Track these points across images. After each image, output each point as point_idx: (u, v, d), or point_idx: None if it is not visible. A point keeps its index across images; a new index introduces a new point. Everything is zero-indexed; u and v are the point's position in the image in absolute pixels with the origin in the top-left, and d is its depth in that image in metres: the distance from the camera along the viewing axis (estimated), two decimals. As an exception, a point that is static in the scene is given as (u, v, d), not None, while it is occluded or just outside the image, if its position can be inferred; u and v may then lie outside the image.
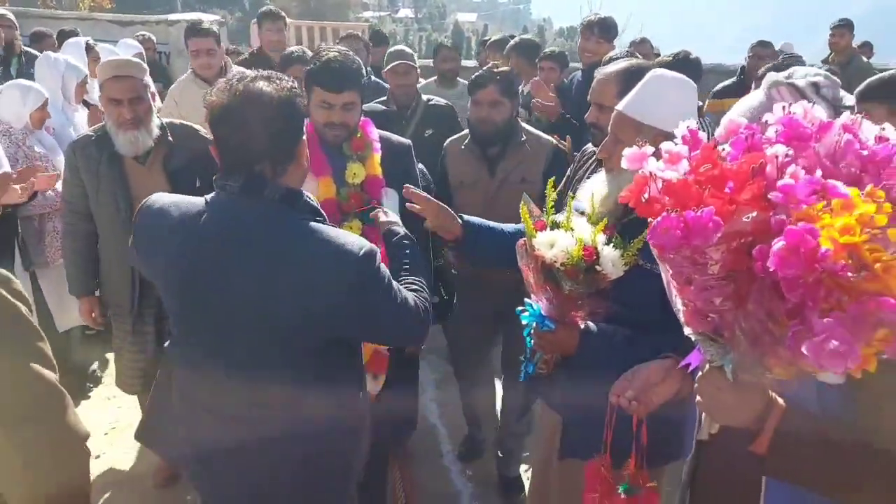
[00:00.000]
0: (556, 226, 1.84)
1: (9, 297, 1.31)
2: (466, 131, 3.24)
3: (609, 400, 1.61)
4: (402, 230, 2.08)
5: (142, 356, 3.12)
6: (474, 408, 3.64)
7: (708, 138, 1.17)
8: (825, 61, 6.72)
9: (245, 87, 1.60)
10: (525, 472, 3.45)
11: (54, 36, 6.50)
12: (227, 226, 1.63)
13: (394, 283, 1.73)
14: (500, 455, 3.48)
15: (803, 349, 0.91)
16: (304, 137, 1.72)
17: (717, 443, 1.36)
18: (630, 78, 2.04)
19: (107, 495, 3.34)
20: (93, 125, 3.54)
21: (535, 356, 1.98)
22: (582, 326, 1.86)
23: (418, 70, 4.27)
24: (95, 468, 3.50)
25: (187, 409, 1.81)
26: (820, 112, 1.07)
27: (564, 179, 3.00)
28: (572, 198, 1.99)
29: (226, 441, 1.73)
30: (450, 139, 3.34)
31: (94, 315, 3.17)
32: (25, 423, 1.28)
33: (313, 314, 1.60)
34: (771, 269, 0.92)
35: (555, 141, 3.43)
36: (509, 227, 2.27)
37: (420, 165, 2.98)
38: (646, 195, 1.11)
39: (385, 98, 4.17)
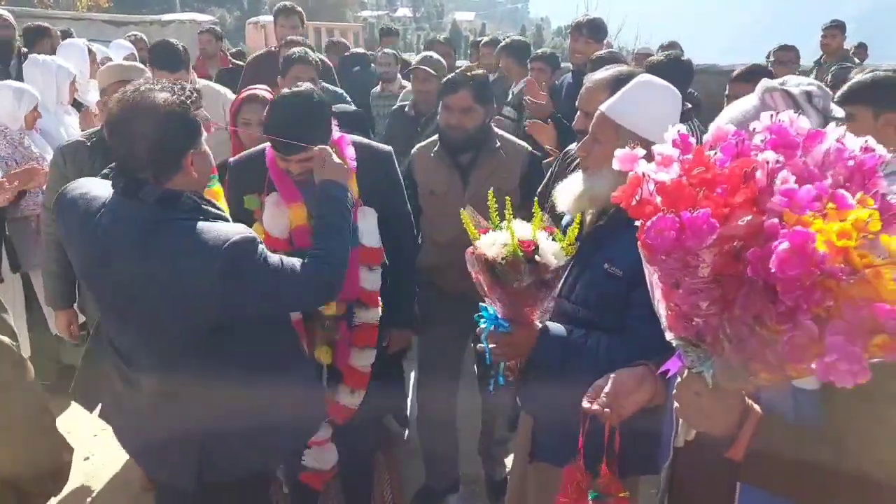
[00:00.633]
0: (499, 230, 1.87)
1: None
2: (435, 137, 3.06)
3: (582, 406, 1.61)
4: (336, 189, 2.13)
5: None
6: (435, 450, 3.30)
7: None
8: (818, 62, 6.72)
9: (136, 99, 1.71)
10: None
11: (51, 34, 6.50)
12: (111, 223, 1.77)
13: (275, 258, 1.85)
14: (486, 460, 3.40)
15: (813, 366, 0.92)
16: (198, 149, 1.82)
17: (693, 449, 1.37)
18: (618, 86, 2.04)
19: (94, 496, 3.33)
20: (85, 128, 3.54)
21: (498, 366, 1.98)
22: (538, 325, 1.87)
23: (441, 80, 4.20)
24: (84, 470, 3.50)
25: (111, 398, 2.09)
26: (805, 122, 1.08)
27: (546, 178, 3.00)
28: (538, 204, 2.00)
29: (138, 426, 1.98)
30: (417, 146, 3.15)
31: (71, 328, 3.05)
32: None
33: (190, 305, 1.73)
34: (772, 270, 0.92)
35: (552, 131, 3.40)
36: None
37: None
38: (637, 196, 1.11)
39: (409, 102, 4.17)
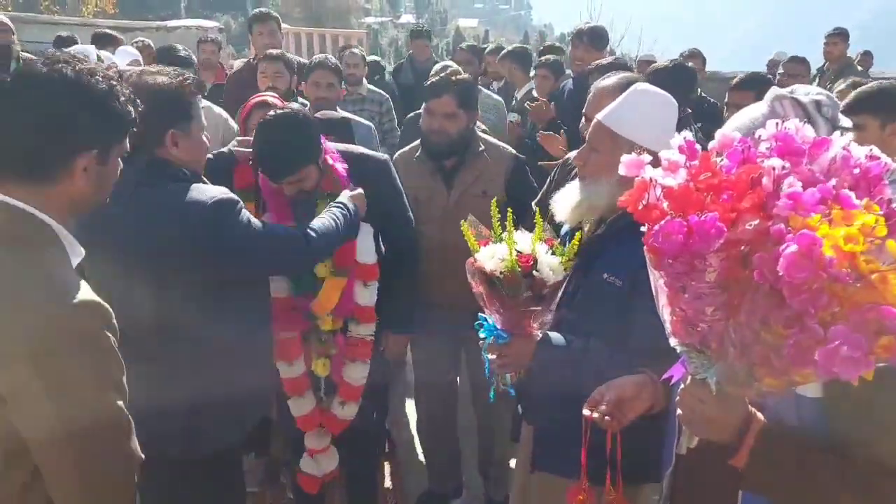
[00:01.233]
0: (500, 241, 1.87)
1: (103, 329, 1.30)
2: (418, 142, 3.02)
3: (583, 414, 1.61)
4: (354, 206, 2.34)
5: None
6: (438, 455, 3.33)
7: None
8: (820, 70, 6.72)
9: (134, 79, 1.87)
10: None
11: (52, 41, 6.51)
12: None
13: (257, 221, 2.02)
14: (486, 480, 3.37)
15: (815, 356, 0.92)
16: (184, 132, 1.95)
17: (696, 456, 1.37)
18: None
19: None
20: None
21: (500, 377, 1.98)
22: (538, 336, 1.87)
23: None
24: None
25: None
26: (810, 131, 1.09)
27: (546, 185, 2.99)
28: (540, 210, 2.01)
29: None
30: (399, 151, 3.13)
31: None
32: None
33: (173, 259, 1.85)
34: (780, 273, 0.93)
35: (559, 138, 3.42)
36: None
37: None
38: (644, 201, 1.11)
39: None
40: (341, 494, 3.06)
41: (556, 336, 1.88)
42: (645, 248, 1.11)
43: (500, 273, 1.77)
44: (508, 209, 1.88)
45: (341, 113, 3.57)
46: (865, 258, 0.89)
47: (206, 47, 6.51)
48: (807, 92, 1.48)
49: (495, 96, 5.12)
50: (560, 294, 1.86)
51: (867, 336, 0.90)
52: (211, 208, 1.89)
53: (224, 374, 1.97)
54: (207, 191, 1.94)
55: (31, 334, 1.22)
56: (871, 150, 1.07)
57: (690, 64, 4.15)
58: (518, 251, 1.79)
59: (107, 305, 1.32)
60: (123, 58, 5.80)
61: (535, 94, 4.73)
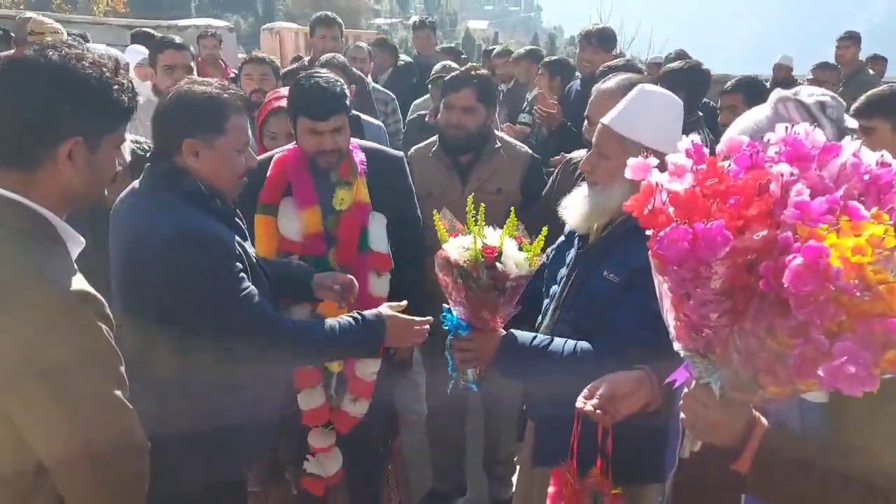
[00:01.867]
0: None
1: (96, 320, 1.29)
2: (435, 137, 3.03)
3: (575, 406, 1.62)
4: (377, 340, 2.00)
5: None
6: (443, 453, 3.32)
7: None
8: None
9: (178, 88, 1.85)
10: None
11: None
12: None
13: (241, 284, 1.79)
14: (491, 479, 3.37)
15: (819, 371, 0.91)
16: (206, 142, 1.83)
17: (699, 460, 1.36)
18: (627, 94, 2.04)
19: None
20: None
21: (461, 373, 1.99)
22: (501, 332, 1.89)
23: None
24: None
25: None
26: (820, 135, 1.07)
27: (549, 184, 2.99)
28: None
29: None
30: (416, 146, 3.12)
31: None
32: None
33: (141, 277, 1.75)
34: (785, 285, 0.92)
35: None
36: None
37: None
38: (650, 206, 1.10)
39: (430, 111, 4.14)
40: (345, 493, 3.06)
41: (521, 333, 1.91)
42: (650, 252, 1.10)
43: (464, 262, 1.80)
44: (512, 209, 1.91)
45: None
46: (874, 268, 0.88)
47: (207, 42, 6.33)
48: (811, 93, 1.45)
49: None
50: (521, 293, 1.88)
51: (874, 349, 0.89)
52: (172, 238, 1.71)
53: (208, 408, 1.80)
54: (192, 218, 1.76)
55: (24, 324, 1.21)
56: (882, 155, 1.05)
57: (706, 66, 4.13)
58: (484, 243, 1.81)
59: (99, 296, 1.30)
60: (133, 56, 5.81)
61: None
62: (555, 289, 2.06)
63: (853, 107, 2.44)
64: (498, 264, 1.80)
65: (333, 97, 2.32)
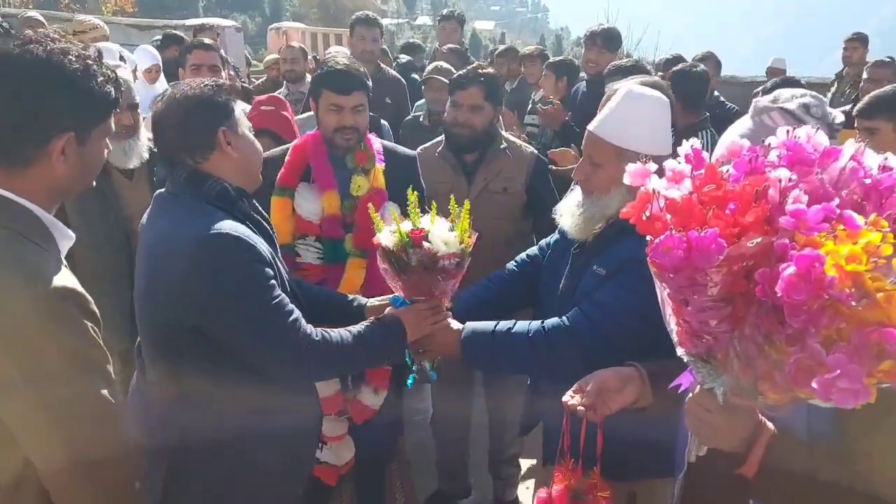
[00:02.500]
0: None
1: (81, 318, 1.27)
2: (441, 138, 3.04)
3: (562, 400, 1.63)
4: (398, 346, 1.94)
5: None
6: (448, 453, 3.32)
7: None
8: (838, 75, 6.65)
9: (171, 93, 1.77)
10: (528, 490, 3.40)
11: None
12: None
13: (274, 292, 1.67)
14: (496, 480, 3.37)
15: (813, 384, 0.90)
16: (233, 129, 1.76)
17: (705, 464, 1.36)
18: None
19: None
20: None
21: (420, 365, 2.06)
22: (458, 326, 1.95)
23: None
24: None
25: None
26: (823, 138, 1.06)
27: (567, 193, 2.99)
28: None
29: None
30: (422, 146, 3.10)
31: None
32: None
33: (162, 288, 1.65)
34: (778, 294, 0.91)
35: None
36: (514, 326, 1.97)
37: None
38: (647, 212, 1.10)
39: (423, 112, 4.11)
40: (350, 493, 3.06)
41: (480, 323, 1.95)
42: (648, 259, 1.10)
43: (392, 246, 1.89)
44: (451, 197, 2.00)
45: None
46: (872, 276, 0.87)
47: (204, 37, 6.11)
48: (791, 96, 1.43)
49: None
50: (464, 270, 1.94)
51: (868, 359, 0.88)
52: (207, 239, 1.60)
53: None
54: (216, 220, 1.64)
55: (8, 332, 1.19)
56: (885, 158, 1.04)
57: (703, 67, 4.11)
58: (413, 226, 1.91)
59: (84, 293, 1.28)
60: (143, 55, 5.79)
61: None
62: (553, 287, 2.07)
63: (856, 108, 2.43)
64: (425, 243, 1.87)
65: (356, 75, 2.41)
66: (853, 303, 0.87)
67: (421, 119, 4.16)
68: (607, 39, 4.57)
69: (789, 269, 0.90)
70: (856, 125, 2.40)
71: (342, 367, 2.01)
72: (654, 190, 1.08)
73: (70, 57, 1.28)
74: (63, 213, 2.69)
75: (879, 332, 0.87)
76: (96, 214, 2.74)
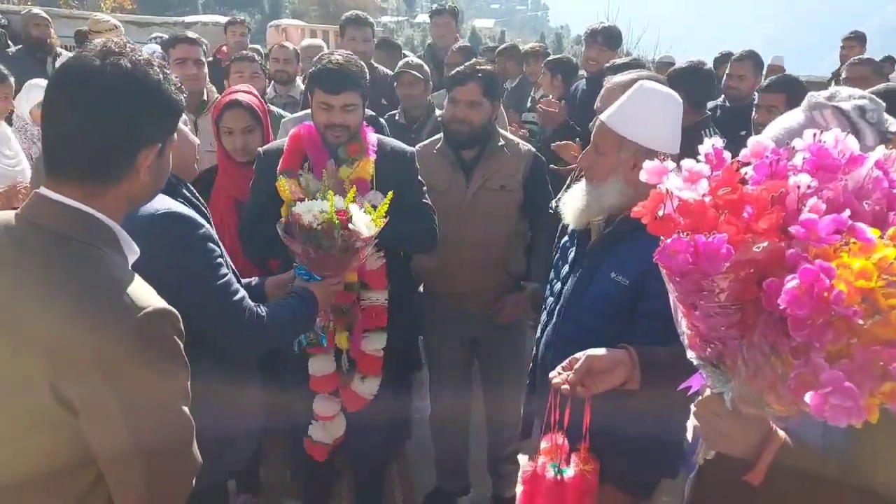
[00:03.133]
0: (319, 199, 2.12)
1: (174, 336, 1.27)
2: (439, 136, 3.03)
3: (549, 377, 1.64)
4: (314, 304, 2.07)
5: None
6: (447, 451, 3.32)
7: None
8: (835, 74, 6.63)
9: None
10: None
11: (72, 35, 6.53)
12: None
13: (221, 270, 1.77)
14: (495, 479, 3.36)
15: (806, 398, 0.87)
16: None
17: (715, 467, 1.33)
18: None
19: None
20: None
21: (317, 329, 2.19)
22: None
23: (429, 83, 3.99)
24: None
25: None
26: (853, 143, 1.01)
27: (565, 187, 2.97)
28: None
29: None
30: (420, 144, 3.09)
31: None
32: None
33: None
34: (782, 306, 0.89)
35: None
36: None
37: None
38: (661, 212, 1.06)
39: (398, 109, 4.05)
40: (349, 491, 3.05)
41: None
42: (657, 261, 1.07)
43: (318, 225, 2.00)
44: (391, 193, 2.11)
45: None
46: (885, 292, 0.84)
47: (235, 29, 5.93)
48: (849, 96, 1.36)
49: None
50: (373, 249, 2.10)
51: (870, 379, 0.85)
52: (149, 222, 1.62)
53: None
54: (166, 202, 1.70)
55: (104, 345, 1.16)
56: None
57: (710, 66, 4.08)
58: (337, 208, 2.03)
59: (174, 310, 1.27)
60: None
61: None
62: (558, 287, 2.05)
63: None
64: (350, 225, 2.02)
65: (347, 74, 2.41)
66: (860, 321, 0.84)
67: (396, 117, 4.02)
68: (608, 37, 4.55)
69: (793, 282, 0.87)
70: None
71: (279, 340, 2.11)
72: (667, 190, 1.04)
73: (153, 68, 1.27)
74: None
75: (886, 351, 0.84)
76: None
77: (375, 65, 4.61)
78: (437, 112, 3.80)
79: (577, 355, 1.65)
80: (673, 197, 1.04)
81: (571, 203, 1.95)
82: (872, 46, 6.81)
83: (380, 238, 2.19)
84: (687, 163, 1.07)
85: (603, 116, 1.88)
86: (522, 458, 3.45)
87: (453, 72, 2.96)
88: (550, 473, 1.66)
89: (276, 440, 3.02)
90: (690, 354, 1.17)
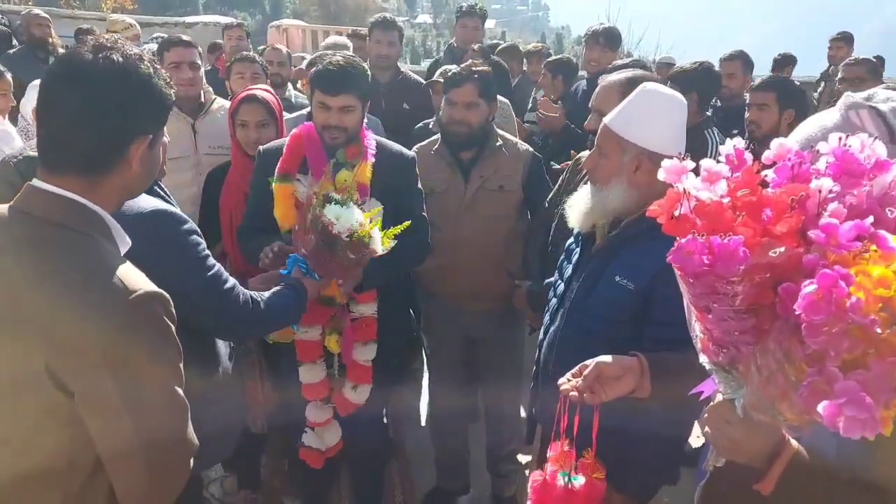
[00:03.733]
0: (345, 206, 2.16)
1: (165, 318, 1.30)
2: (437, 136, 3.05)
3: (557, 383, 1.63)
4: (304, 296, 2.13)
5: None
6: (447, 451, 3.32)
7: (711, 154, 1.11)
8: (825, 74, 6.63)
9: None
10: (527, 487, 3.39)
11: (73, 35, 6.51)
12: None
13: (209, 261, 1.81)
14: (495, 478, 3.36)
15: (819, 408, 0.85)
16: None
17: (724, 475, 1.32)
18: (632, 88, 2.01)
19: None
20: None
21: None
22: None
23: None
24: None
25: None
26: (881, 148, 0.98)
27: (557, 186, 2.97)
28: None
29: None
30: (418, 145, 3.10)
31: None
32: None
33: None
34: (797, 312, 0.86)
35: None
36: None
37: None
38: (678, 212, 1.03)
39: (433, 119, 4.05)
40: (348, 491, 3.05)
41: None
42: (671, 262, 1.05)
43: (347, 237, 2.06)
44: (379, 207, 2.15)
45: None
46: None
47: (233, 33, 5.83)
48: (886, 98, 1.29)
49: (501, 98, 4.87)
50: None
51: (886, 390, 0.82)
52: (139, 219, 1.64)
53: None
54: (151, 200, 1.73)
55: (97, 326, 1.19)
56: None
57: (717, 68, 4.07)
58: (360, 222, 2.09)
59: (165, 293, 1.30)
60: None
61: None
62: (562, 289, 2.03)
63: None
64: (370, 244, 2.10)
65: (347, 77, 2.40)
66: (878, 329, 0.81)
67: (431, 126, 3.96)
68: (609, 38, 4.54)
69: (810, 287, 0.85)
70: None
71: (273, 326, 2.16)
72: (685, 190, 1.02)
73: (144, 62, 1.32)
74: None
75: (898, 364, 0.81)
76: None
77: (403, 70, 4.56)
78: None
79: (586, 362, 1.64)
80: (690, 197, 1.02)
81: (576, 205, 1.95)
82: (873, 47, 6.86)
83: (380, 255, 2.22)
84: (706, 163, 1.04)
85: (606, 119, 1.88)
86: (522, 458, 3.45)
87: (450, 73, 2.96)
88: (561, 482, 1.65)
89: (276, 437, 3.01)
90: (703, 358, 1.15)
